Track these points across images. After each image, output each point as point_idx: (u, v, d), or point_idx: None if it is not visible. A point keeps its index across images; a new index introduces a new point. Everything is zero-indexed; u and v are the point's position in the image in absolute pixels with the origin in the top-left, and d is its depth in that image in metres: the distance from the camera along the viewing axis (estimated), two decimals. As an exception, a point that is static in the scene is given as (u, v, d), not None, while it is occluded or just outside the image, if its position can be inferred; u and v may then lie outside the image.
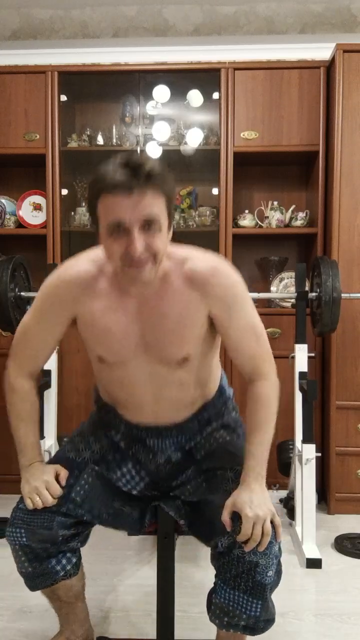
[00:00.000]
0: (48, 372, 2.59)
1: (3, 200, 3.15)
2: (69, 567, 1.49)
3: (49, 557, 1.46)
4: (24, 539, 1.42)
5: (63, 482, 1.44)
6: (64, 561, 1.48)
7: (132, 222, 1.19)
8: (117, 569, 2.26)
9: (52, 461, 1.53)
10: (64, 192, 3.04)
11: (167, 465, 1.52)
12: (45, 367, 2.60)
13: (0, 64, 3.02)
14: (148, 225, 1.20)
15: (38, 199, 3.12)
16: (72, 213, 3.19)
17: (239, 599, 1.30)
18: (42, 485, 1.42)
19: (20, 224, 3.14)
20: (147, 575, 2.19)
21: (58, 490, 1.42)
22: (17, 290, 2.54)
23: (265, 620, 1.34)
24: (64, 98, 3.01)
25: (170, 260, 1.34)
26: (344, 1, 3.24)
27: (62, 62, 3.01)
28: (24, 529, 1.42)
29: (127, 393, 1.47)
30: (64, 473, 1.46)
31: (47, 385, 2.57)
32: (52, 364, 2.61)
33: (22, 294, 2.59)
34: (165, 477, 1.53)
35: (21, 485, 1.45)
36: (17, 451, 1.50)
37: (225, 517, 1.30)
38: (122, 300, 1.36)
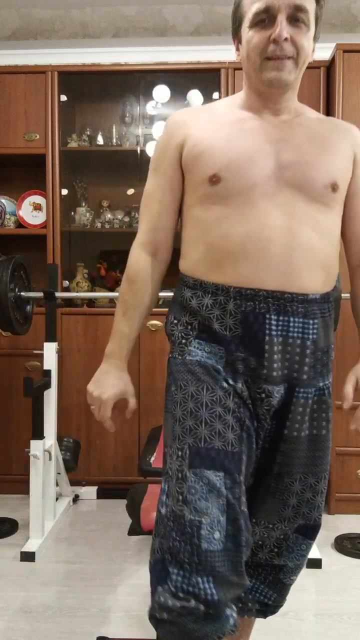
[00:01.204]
0: (48, 372, 2.59)
1: (3, 200, 3.15)
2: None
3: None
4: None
5: (126, 416, 1.27)
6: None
7: (281, 7, 1.10)
8: (117, 568, 2.26)
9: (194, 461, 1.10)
10: (64, 192, 3.04)
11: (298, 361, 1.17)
12: (45, 367, 2.60)
13: (0, 64, 3.02)
14: (296, 16, 1.12)
15: (38, 199, 3.12)
16: (72, 213, 3.19)
17: (256, 587, 1.31)
18: (98, 402, 1.25)
19: (20, 224, 3.14)
20: (147, 575, 2.19)
21: (108, 423, 1.25)
22: (17, 290, 2.54)
23: (279, 606, 1.37)
24: (64, 98, 3.01)
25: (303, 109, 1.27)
26: (344, 1, 3.24)
27: (62, 62, 3.01)
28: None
29: (249, 228, 1.14)
30: (131, 405, 1.27)
31: (47, 385, 2.57)
32: (52, 364, 2.61)
33: (22, 294, 2.59)
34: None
35: (91, 381, 1.28)
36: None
37: (349, 388, 1.24)
38: (252, 120, 1.20)
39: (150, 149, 3.04)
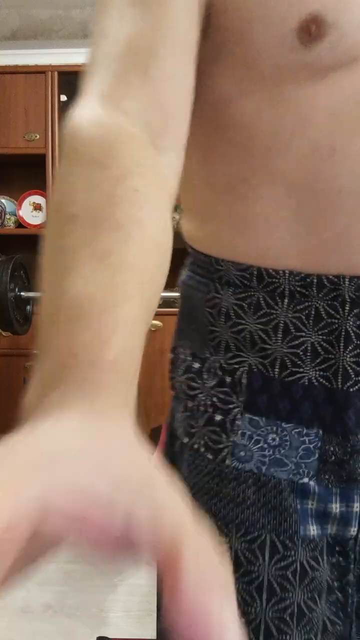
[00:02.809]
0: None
1: (3, 200, 3.15)
2: None
3: None
4: None
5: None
6: None
7: None
8: (117, 568, 2.26)
9: None
10: (64, 192, 3.04)
11: None
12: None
13: (0, 64, 3.02)
14: None
15: (38, 199, 3.12)
16: (72, 213, 3.19)
17: None
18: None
19: (20, 224, 3.14)
20: (147, 575, 2.19)
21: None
22: (17, 290, 2.54)
23: None
24: (64, 98, 3.01)
25: None
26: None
27: (62, 62, 3.01)
28: None
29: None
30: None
31: (47, 385, 2.57)
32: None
33: (22, 294, 2.59)
34: None
35: None
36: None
37: None
38: None
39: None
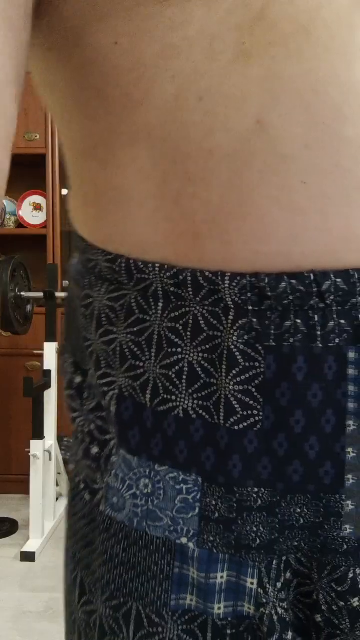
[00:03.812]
0: (48, 372, 2.59)
1: (3, 200, 3.15)
2: None
3: None
4: None
5: None
6: None
7: None
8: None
9: None
10: (64, 192, 3.04)
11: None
12: (45, 367, 2.60)
13: (0, 64, 3.03)
14: None
15: (38, 199, 3.12)
16: (72, 213, 3.19)
17: None
18: None
19: (20, 224, 3.14)
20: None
21: None
22: (17, 290, 2.54)
23: None
24: (64, 98, 3.02)
25: None
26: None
27: (62, 62, 3.02)
28: None
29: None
30: None
31: (47, 385, 2.57)
32: (52, 364, 2.61)
33: (22, 294, 2.59)
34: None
35: None
36: None
37: None
38: None
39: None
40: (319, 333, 0.35)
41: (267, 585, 0.38)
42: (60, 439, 2.72)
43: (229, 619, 0.38)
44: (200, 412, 0.37)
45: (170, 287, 0.37)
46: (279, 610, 0.38)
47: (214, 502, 0.38)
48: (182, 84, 0.33)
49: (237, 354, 0.36)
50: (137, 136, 0.36)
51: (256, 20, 0.31)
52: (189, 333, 0.37)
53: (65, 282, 3.06)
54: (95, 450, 0.42)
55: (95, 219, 0.41)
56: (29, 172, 3.24)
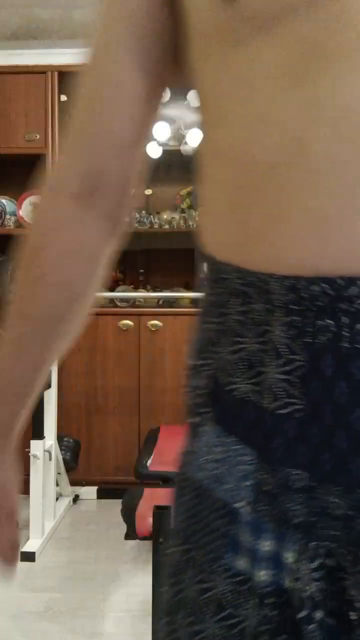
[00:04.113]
0: (48, 372, 2.59)
1: (3, 201, 3.15)
2: None
3: None
4: None
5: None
6: None
7: None
8: (118, 568, 2.26)
9: None
10: (64, 192, 3.04)
11: None
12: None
13: (0, 64, 3.02)
14: None
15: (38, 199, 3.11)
16: (72, 213, 3.19)
17: None
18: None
19: (20, 224, 3.14)
20: (148, 574, 2.19)
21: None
22: (17, 290, 2.54)
23: None
24: (64, 98, 3.01)
25: None
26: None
27: (62, 62, 3.01)
28: None
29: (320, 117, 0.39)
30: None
31: (47, 385, 2.57)
32: (52, 364, 2.61)
33: (22, 294, 2.59)
34: None
35: None
36: None
37: None
38: None
39: (150, 149, 3.04)
40: (346, 334, 0.39)
41: (302, 563, 0.41)
42: (60, 439, 2.72)
43: (270, 587, 0.42)
44: (252, 396, 0.43)
45: (239, 285, 0.44)
46: (311, 589, 0.40)
47: (265, 476, 0.43)
48: (247, 109, 0.42)
49: (281, 347, 0.41)
50: (218, 152, 0.45)
51: (311, 55, 0.38)
52: (249, 326, 0.43)
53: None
54: (194, 419, 0.50)
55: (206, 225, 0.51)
56: (29, 172, 3.24)
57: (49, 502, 2.55)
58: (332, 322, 0.39)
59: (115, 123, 0.51)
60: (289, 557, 0.42)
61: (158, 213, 3.20)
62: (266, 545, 0.43)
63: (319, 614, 0.40)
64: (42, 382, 0.60)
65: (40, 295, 0.58)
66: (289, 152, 0.40)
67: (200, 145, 0.48)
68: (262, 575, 0.43)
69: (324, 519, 0.40)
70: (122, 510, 2.28)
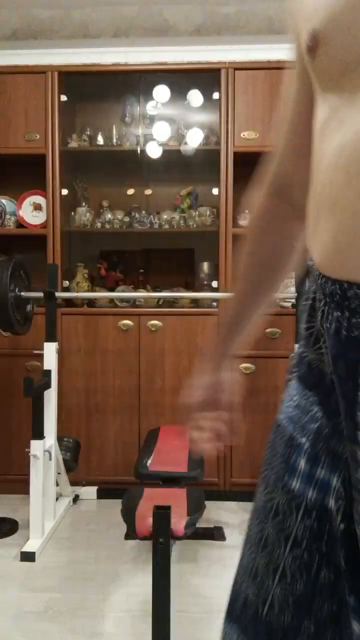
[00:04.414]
0: (48, 372, 2.59)
1: (3, 200, 3.15)
2: None
3: None
4: None
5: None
6: None
7: None
8: (118, 568, 2.26)
9: None
10: (64, 192, 3.04)
11: None
12: (45, 367, 2.60)
13: (0, 64, 3.02)
14: None
15: (38, 199, 3.12)
16: (72, 213, 3.19)
17: None
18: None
19: (20, 224, 3.14)
20: (148, 574, 2.19)
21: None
22: (17, 290, 2.54)
23: None
24: (64, 98, 3.01)
25: None
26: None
27: (62, 62, 3.01)
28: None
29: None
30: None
31: (47, 385, 2.57)
32: (52, 364, 2.61)
33: (22, 294, 2.59)
34: None
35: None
36: None
37: None
38: None
39: (150, 149, 3.04)
40: None
41: (346, 487, 0.58)
42: (60, 439, 2.72)
43: (318, 504, 0.61)
44: (318, 362, 0.64)
45: (322, 282, 0.61)
46: (349, 507, 0.57)
47: (325, 423, 0.62)
48: (322, 139, 0.60)
49: (325, 330, 0.59)
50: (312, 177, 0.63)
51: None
52: (315, 311, 0.62)
53: (66, 282, 3.06)
54: (288, 375, 0.71)
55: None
56: (29, 172, 3.24)
57: (49, 502, 2.55)
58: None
59: (297, 141, 0.77)
60: (336, 481, 0.60)
61: (158, 213, 3.20)
62: (319, 473, 0.62)
63: (352, 526, 0.57)
64: (256, 318, 0.85)
65: (255, 255, 0.83)
66: (338, 176, 0.58)
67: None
68: (312, 494, 0.62)
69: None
70: (122, 510, 2.27)
